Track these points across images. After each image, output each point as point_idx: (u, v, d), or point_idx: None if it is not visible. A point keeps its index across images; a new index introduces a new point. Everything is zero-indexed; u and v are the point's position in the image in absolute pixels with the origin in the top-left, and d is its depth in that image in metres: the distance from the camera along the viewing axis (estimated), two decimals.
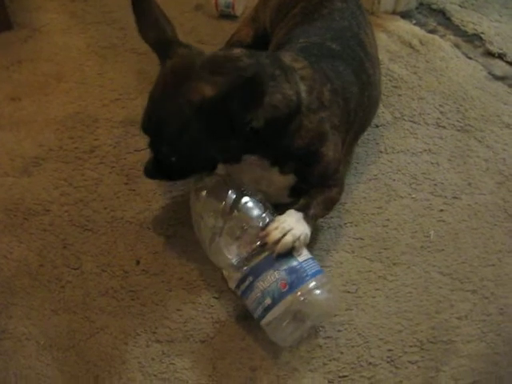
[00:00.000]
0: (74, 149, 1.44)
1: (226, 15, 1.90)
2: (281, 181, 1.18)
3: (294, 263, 1.05)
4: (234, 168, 1.17)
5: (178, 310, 1.15)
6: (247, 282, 1.05)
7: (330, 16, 1.37)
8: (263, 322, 1.05)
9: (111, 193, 1.34)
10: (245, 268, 1.06)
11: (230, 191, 1.12)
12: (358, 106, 1.27)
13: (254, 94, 0.97)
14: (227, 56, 1.08)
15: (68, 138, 1.47)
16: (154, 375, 1.06)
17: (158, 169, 1.14)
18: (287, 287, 1.03)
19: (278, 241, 1.04)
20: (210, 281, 1.19)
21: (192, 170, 1.15)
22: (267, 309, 1.04)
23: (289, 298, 1.03)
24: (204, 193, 1.13)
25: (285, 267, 1.04)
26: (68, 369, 1.07)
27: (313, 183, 1.19)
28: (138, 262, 1.22)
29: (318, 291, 1.05)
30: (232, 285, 1.10)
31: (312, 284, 1.04)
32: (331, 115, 1.17)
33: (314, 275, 1.05)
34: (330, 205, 1.22)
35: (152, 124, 1.08)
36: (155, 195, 1.33)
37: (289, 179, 1.18)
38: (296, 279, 1.04)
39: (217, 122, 1.01)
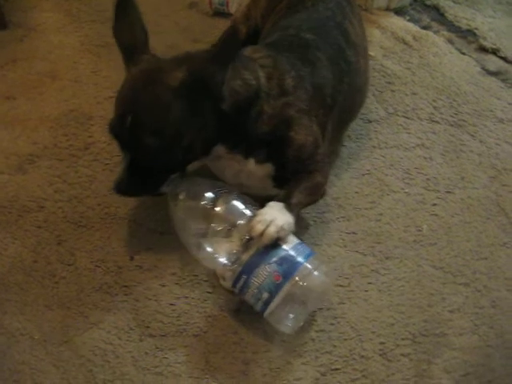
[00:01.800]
0: (68, 146, 1.45)
1: (220, 13, 1.91)
2: (259, 171, 1.19)
3: (283, 253, 1.06)
4: (213, 166, 1.20)
5: (171, 304, 1.15)
6: (242, 281, 1.06)
7: (314, 7, 1.39)
8: (266, 313, 1.06)
9: (105, 189, 1.34)
10: (236, 266, 1.06)
11: (206, 192, 1.12)
12: (335, 92, 1.28)
13: (232, 45, 1.05)
14: (186, 54, 1.13)
15: (62, 135, 1.47)
16: (148, 369, 1.07)
17: (131, 180, 1.12)
18: (281, 278, 1.03)
19: (262, 233, 1.05)
20: (203, 276, 1.19)
21: (171, 165, 1.13)
22: (266, 302, 1.04)
23: (286, 287, 1.03)
24: (181, 198, 1.13)
25: (274, 259, 1.05)
26: (62, 363, 1.07)
27: (291, 169, 1.19)
28: (131, 258, 1.22)
29: (314, 273, 1.06)
30: (228, 284, 1.10)
31: (307, 267, 1.05)
32: (296, 100, 1.18)
33: (306, 258, 1.06)
34: (315, 190, 1.22)
35: (127, 122, 1.06)
36: None
37: (266, 168, 1.19)
38: (288, 268, 1.04)
39: (196, 97, 1.05)
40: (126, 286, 1.18)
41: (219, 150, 1.15)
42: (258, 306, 1.06)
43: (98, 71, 1.66)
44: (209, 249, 1.09)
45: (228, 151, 1.16)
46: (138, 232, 1.27)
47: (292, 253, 1.06)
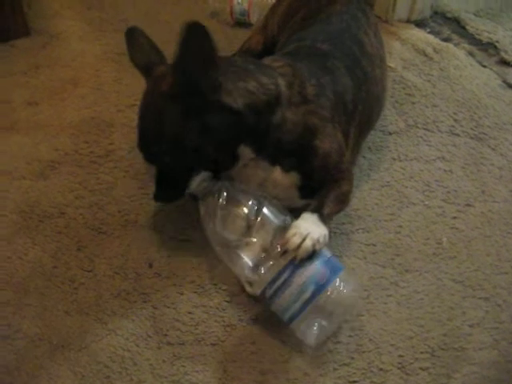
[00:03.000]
0: (89, 153, 1.46)
1: (242, 23, 1.92)
2: (285, 180, 1.19)
3: (325, 257, 1.07)
4: (238, 176, 1.20)
5: (190, 313, 1.15)
6: (282, 279, 1.04)
7: (328, 20, 1.41)
8: (302, 315, 1.04)
9: (125, 197, 1.35)
10: (265, 274, 1.06)
11: (246, 199, 1.12)
12: (356, 99, 1.28)
13: (198, 43, 1.02)
14: None
15: (83, 142, 1.49)
16: (165, 377, 1.06)
17: (164, 187, 1.20)
18: (325, 279, 1.04)
19: (299, 246, 1.04)
20: (222, 285, 1.19)
21: (185, 166, 1.16)
22: (306, 303, 1.03)
23: (330, 286, 1.04)
24: (219, 203, 1.13)
25: (319, 261, 1.06)
26: (80, 369, 1.07)
27: (317, 178, 1.19)
28: (150, 265, 1.23)
29: (343, 287, 1.06)
30: (259, 287, 1.09)
31: (338, 280, 1.05)
32: (318, 108, 1.19)
33: (340, 270, 1.07)
34: (343, 198, 1.22)
35: (141, 135, 1.15)
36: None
37: (292, 177, 1.19)
38: (330, 272, 1.05)
39: (188, 99, 1.07)
40: (144, 294, 1.18)
41: (246, 152, 1.15)
42: (292, 310, 1.05)
43: (120, 79, 1.67)
44: (241, 255, 1.09)
45: (254, 156, 1.16)
46: (157, 239, 1.28)
47: (331, 260, 1.08)
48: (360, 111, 1.30)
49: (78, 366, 1.08)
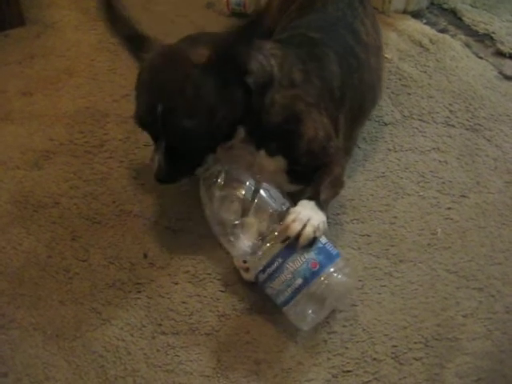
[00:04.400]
0: (83, 143, 1.46)
1: (237, 13, 1.91)
2: (271, 164, 1.19)
3: (320, 245, 1.07)
4: (226, 156, 1.19)
5: (184, 302, 1.15)
6: (276, 264, 1.05)
7: (323, 8, 1.41)
8: (292, 302, 1.05)
9: (120, 187, 1.35)
10: (260, 256, 1.06)
11: (247, 182, 1.11)
12: (344, 86, 1.28)
13: (256, 23, 1.05)
14: (196, 34, 1.14)
15: (78, 132, 1.48)
16: (159, 366, 1.07)
17: (170, 166, 1.10)
18: (318, 267, 1.04)
19: (299, 233, 1.04)
20: (216, 274, 1.19)
21: (208, 144, 1.11)
22: (298, 289, 1.04)
23: (323, 275, 1.04)
24: (219, 183, 1.12)
25: (313, 248, 1.05)
26: (74, 359, 1.07)
27: (304, 163, 1.19)
28: (145, 255, 1.23)
29: (337, 274, 1.06)
30: (250, 276, 1.10)
31: (332, 267, 1.05)
32: (304, 94, 1.18)
33: (336, 257, 1.07)
34: (336, 182, 1.22)
35: (157, 110, 1.03)
36: (163, 190, 1.34)
37: (278, 162, 1.19)
38: (324, 259, 1.05)
39: (224, 73, 1.05)
40: (139, 283, 1.18)
41: (239, 133, 1.14)
42: (285, 295, 1.05)
43: (115, 69, 1.67)
44: (238, 236, 1.09)
45: (244, 137, 1.15)
46: (151, 229, 1.28)
47: (327, 247, 1.07)
48: (350, 98, 1.30)
49: (72, 356, 1.08)
